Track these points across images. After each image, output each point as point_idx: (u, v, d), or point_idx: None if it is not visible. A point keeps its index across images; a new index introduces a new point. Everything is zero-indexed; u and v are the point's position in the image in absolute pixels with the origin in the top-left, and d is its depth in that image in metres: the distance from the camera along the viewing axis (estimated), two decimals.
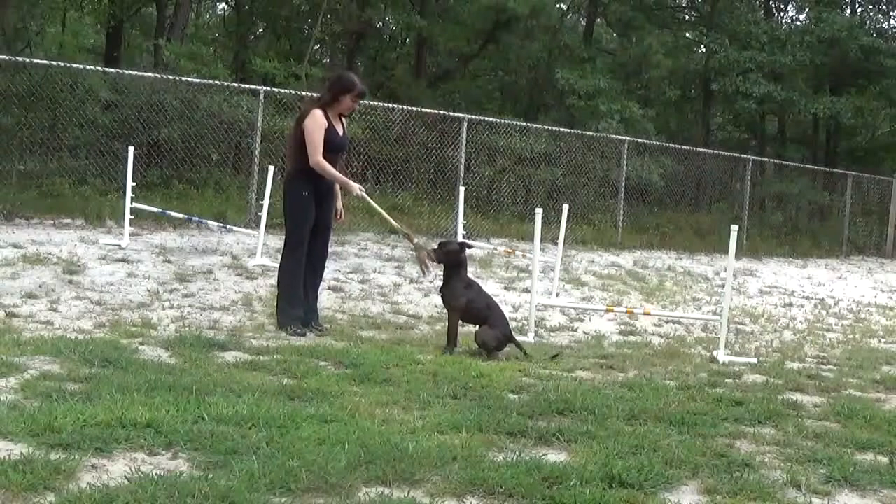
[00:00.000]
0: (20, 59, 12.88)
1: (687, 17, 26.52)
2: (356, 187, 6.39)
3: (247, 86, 13.86)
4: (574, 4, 25.68)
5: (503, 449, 3.74)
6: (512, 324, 7.54)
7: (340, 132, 6.40)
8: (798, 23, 25.18)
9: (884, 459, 3.92)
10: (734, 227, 6.57)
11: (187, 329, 6.09)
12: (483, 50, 22.18)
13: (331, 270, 9.37)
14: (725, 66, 20.73)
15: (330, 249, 10.80)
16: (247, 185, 12.74)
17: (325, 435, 3.67)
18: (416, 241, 6.75)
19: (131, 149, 10.19)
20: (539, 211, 7.18)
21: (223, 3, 28.34)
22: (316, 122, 6.22)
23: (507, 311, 8.17)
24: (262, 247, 9.60)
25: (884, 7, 24.97)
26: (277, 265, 6.68)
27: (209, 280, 8.25)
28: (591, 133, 16.69)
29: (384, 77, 22.06)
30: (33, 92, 12.10)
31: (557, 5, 23.49)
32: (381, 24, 22.79)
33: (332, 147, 6.29)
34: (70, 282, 7.51)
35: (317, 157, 6.20)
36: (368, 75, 21.13)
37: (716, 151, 19.25)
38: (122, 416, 3.69)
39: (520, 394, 4.82)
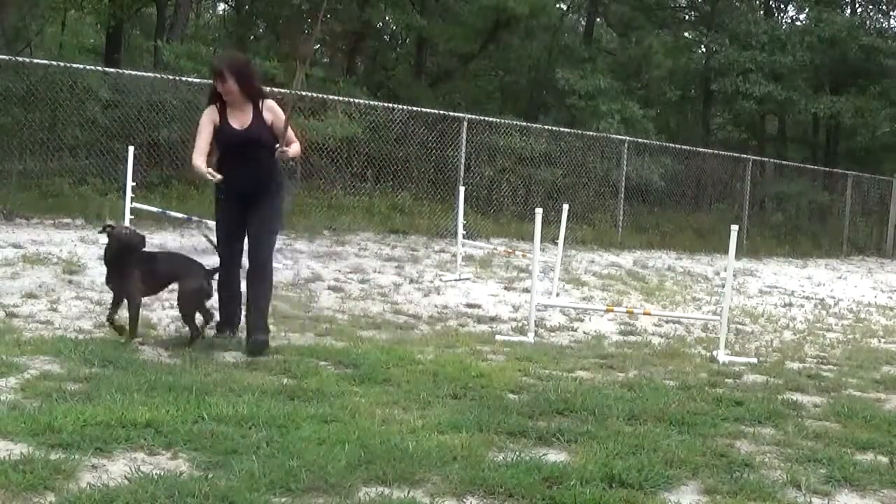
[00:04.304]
0: (20, 59, 12.88)
1: (687, 17, 26.49)
2: (203, 173, 5.45)
3: None
4: (574, 4, 25.66)
5: (503, 449, 3.74)
6: (512, 324, 7.59)
7: (238, 125, 5.51)
8: (798, 23, 25.17)
9: (884, 459, 3.92)
10: (734, 227, 6.56)
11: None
12: (483, 50, 22.16)
13: (331, 270, 9.38)
14: (725, 66, 20.72)
15: (329, 249, 10.93)
16: None
17: (325, 435, 3.67)
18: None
19: (131, 149, 10.18)
20: (539, 211, 7.18)
21: (223, 3, 28.34)
22: (200, 121, 5.61)
23: (507, 311, 8.23)
24: None
25: (884, 7, 24.97)
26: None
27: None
28: (591, 133, 16.69)
29: (384, 77, 22.04)
30: (33, 92, 12.09)
31: (557, 5, 23.47)
32: (381, 24, 22.77)
33: (223, 145, 5.55)
34: (70, 282, 7.51)
35: (193, 159, 5.48)
36: (368, 75, 21.14)
37: (716, 151, 19.25)
38: (122, 416, 3.70)
39: (520, 394, 4.82)
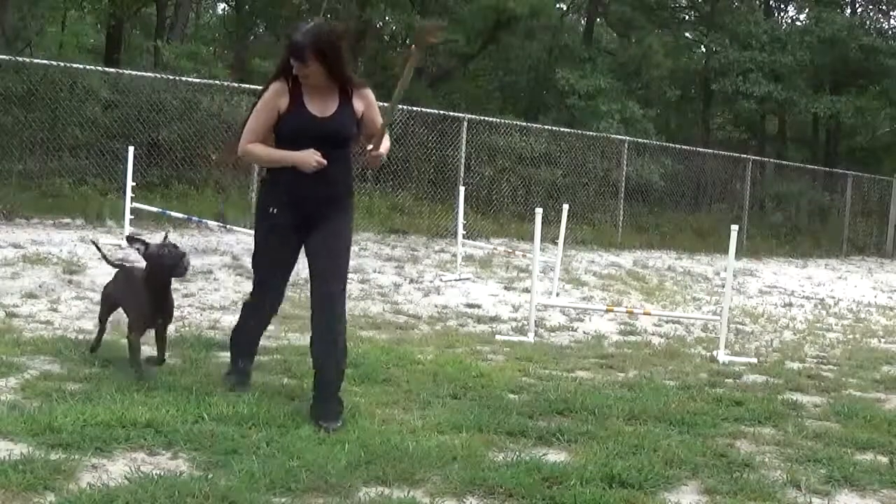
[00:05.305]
0: (20, 59, 12.88)
1: (687, 17, 26.53)
2: (312, 159, 4.02)
3: (246, 86, 13.85)
4: (574, 4, 25.68)
5: (503, 449, 3.73)
6: (512, 324, 7.59)
7: (319, 111, 4.10)
8: (798, 23, 25.21)
9: (884, 459, 3.92)
10: (734, 227, 6.57)
11: (187, 329, 6.08)
12: (483, 50, 22.17)
13: None
14: (725, 66, 20.75)
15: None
16: (247, 185, 12.73)
17: (325, 435, 3.68)
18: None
19: (131, 149, 10.19)
20: (539, 211, 7.18)
21: (223, 3, 28.36)
22: (261, 98, 4.25)
23: (507, 311, 8.23)
24: None
25: (884, 7, 25.01)
26: None
27: (209, 280, 8.25)
28: (591, 133, 16.69)
29: (384, 77, 22.03)
30: (33, 92, 12.09)
31: (557, 5, 23.49)
32: (380, 24, 22.78)
33: (295, 135, 4.10)
34: (70, 282, 7.51)
35: (242, 146, 4.25)
36: (368, 75, 21.11)
37: (716, 151, 19.25)
38: (122, 416, 3.69)
39: (520, 394, 4.82)
